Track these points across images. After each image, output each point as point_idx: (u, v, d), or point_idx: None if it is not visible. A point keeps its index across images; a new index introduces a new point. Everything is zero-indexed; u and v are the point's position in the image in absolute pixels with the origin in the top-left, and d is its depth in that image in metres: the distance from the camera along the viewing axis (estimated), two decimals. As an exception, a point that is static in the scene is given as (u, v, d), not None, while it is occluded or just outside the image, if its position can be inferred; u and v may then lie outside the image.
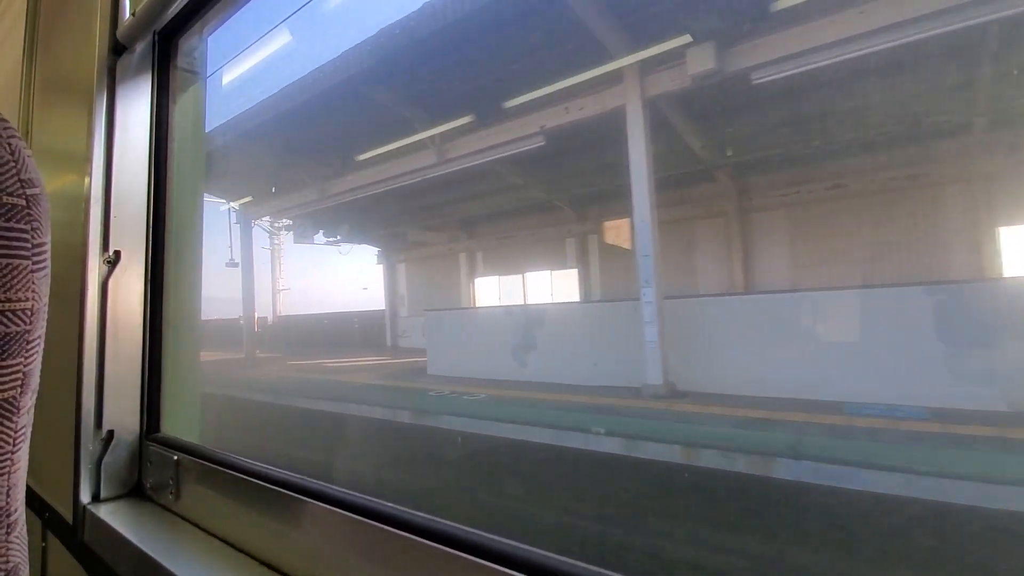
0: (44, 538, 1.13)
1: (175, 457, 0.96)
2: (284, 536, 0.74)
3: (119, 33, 1.08)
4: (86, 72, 1.12)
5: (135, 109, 1.12)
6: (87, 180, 1.05)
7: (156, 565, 0.78)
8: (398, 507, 0.64)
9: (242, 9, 0.99)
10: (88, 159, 1.05)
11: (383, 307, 18.04)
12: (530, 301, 14.85)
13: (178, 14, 1.02)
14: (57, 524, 1.08)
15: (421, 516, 0.61)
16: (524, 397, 7.40)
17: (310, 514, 0.71)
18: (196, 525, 0.89)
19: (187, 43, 1.14)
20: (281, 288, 24.81)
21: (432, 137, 9.86)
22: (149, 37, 1.10)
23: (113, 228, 1.05)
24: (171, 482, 0.96)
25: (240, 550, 0.79)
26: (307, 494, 0.72)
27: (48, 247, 0.45)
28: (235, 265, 15.28)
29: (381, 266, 18.32)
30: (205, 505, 0.89)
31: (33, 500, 1.18)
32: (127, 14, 1.08)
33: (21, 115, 1.46)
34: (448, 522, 0.59)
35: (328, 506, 0.69)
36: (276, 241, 24.23)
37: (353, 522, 0.65)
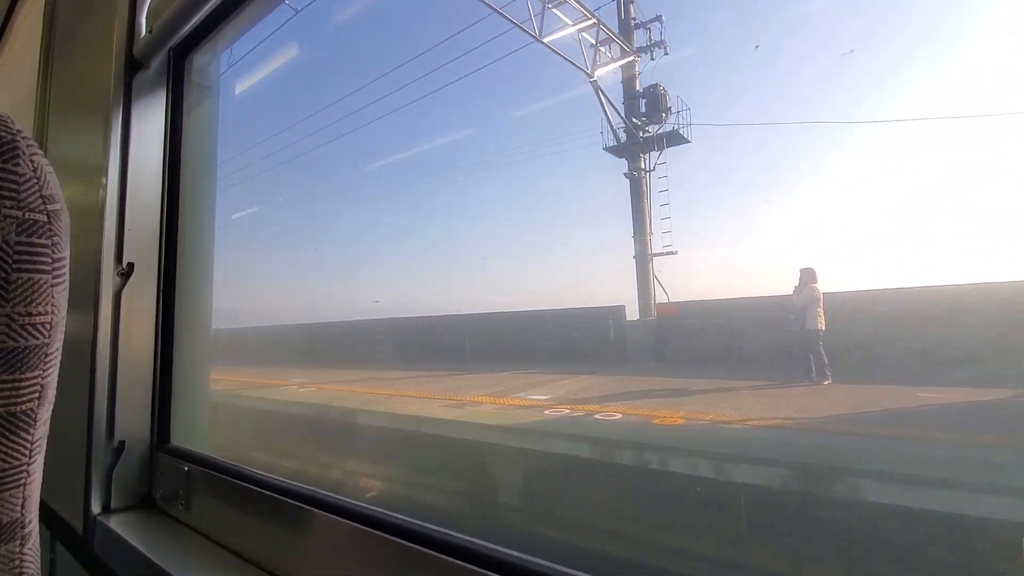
0: (53, 549, 1.14)
1: (186, 468, 0.96)
2: (295, 547, 0.74)
3: (135, 50, 1.10)
4: (102, 87, 1.14)
5: (150, 124, 1.14)
6: (102, 193, 1.06)
7: None
8: (409, 519, 0.64)
9: (256, 26, 1.01)
10: (104, 172, 1.07)
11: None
12: None
13: (193, 31, 1.04)
14: (67, 534, 1.08)
15: (433, 529, 0.61)
16: None
17: (321, 525, 0.71)
18: (206, 536, 0.89)
19: (201, 59, 1.16)
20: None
21: None
22: (164, 54, 1.12)
23: (127, 240, 1.07)
24: (181, 493, 0.96)
25: (250, 561, 0.79)
26: (318, 505, 0.72)
27: (67, 261, 0.45)
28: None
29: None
30: (215, 516, 0.89)
31: (42, 510, 1.18)
32: (143, 31, 1.10)
33: (36, 128, 1.48)
34: (460, 535, 0.59)
35: (339, 518, 0.69)
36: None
37: (364, 534, 0.65)
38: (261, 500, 0.80)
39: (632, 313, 10.35)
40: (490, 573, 0.53)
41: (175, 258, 1.13)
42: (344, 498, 0.72)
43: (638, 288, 10.75)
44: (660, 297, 10.37)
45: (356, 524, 0.66)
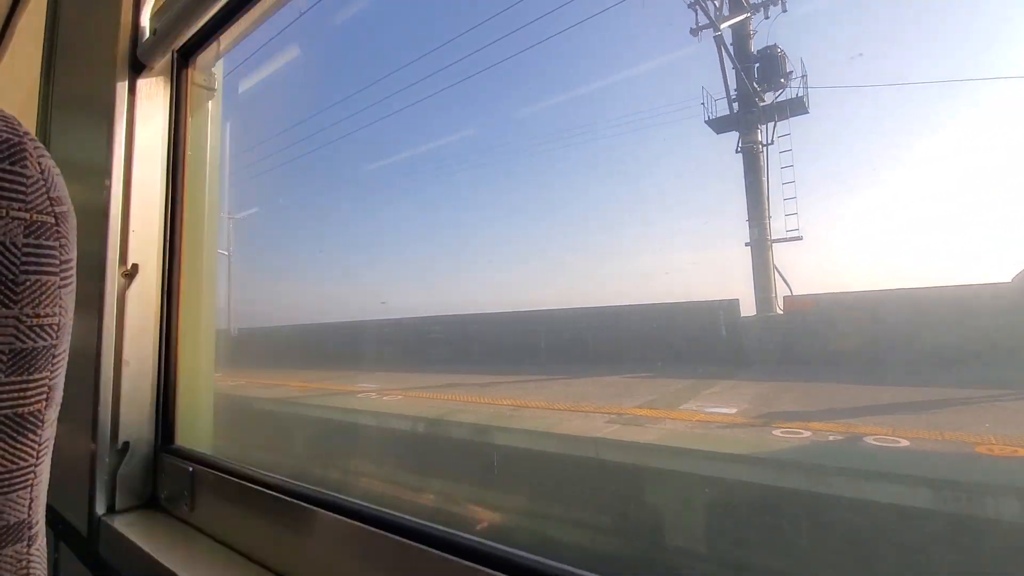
0: (57, 549, 1.14)
1: (190, 468, 0.96)
2: (299, 547, 0.74)
3: (139, 51, 1.10)
4: (106, 89, 1.14)
5: (153, 125, 1.14)
6: (106, 194, 1.07)
7: None
8: (414, 519, 0.64)
9: (260, 27, 1.01)
10: (107, 174, 1.07)
11: None
12: None
13: (197, 33, 1.04)
14: (71, 536, 1.09)
15: (436, 528, 0.61)
16: None
17: (325, 525, 0.71)
18: (211, 537, 0.89)
19: (204, 60, 1.17)
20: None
21: None
22: (168, 55, 1.12)
23: (131, 241, 1.07)
24: (186, 493, 0.96)
25: (255, 562, 0.80)
26: (322, 505, 0.72)
27: (74, 263, 0.45)
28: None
29: None
30: (220, 516, 0.90)
31: (47, 511, 1.19)
32: (147, 33, 1.10)
33: (39, 130, 1.49)
34: (466, 535, 0.59)
35: (343, 517, 0.69)
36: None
37: (369, 533, 0.65)
38: (266, 500, 0.80)
39: (746, 308, 8.39)
40: (494, 572, 0.53)
41: (179, 259, 1.13)
42: (348, 498, 0.72)
43: (755, 279, 8.89)
44: (781, 289, 8.66)
45: (360, 524, 0.67)
